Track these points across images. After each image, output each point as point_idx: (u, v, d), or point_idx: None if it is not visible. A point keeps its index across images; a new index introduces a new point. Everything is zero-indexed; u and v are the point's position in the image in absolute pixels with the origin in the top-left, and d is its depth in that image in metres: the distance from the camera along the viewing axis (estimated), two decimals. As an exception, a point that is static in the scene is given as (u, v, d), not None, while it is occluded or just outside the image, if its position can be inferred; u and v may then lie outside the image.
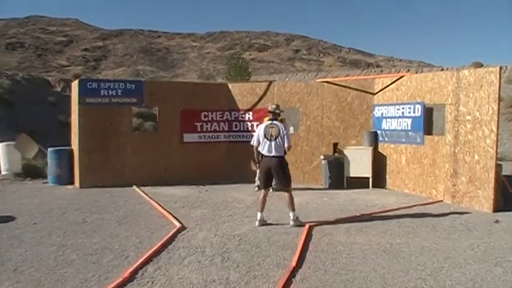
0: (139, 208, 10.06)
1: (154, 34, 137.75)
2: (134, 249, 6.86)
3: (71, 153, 13.40)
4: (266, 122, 8.78)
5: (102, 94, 13.02)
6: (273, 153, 8.37)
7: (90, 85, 13.09)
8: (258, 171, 12.33)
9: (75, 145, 13.25)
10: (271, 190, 11.55)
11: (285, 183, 8.50)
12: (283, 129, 8.44)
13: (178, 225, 8.26)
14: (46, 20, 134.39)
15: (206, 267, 6.11)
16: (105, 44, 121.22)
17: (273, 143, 8.35)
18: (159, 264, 6.18)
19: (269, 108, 8.88)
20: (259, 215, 8.51)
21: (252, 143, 9.14)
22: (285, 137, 8.37)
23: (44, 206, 10.17)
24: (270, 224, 8.41)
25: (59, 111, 24.85)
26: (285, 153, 8.53)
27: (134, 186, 12.55)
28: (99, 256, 6.54)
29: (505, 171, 12.11)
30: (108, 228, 8.22)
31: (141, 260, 6.21)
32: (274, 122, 8.57)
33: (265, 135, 8.42)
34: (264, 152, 8.47)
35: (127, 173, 13.08)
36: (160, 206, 10.06)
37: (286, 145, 8.41)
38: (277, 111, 8.78)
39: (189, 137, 14.08)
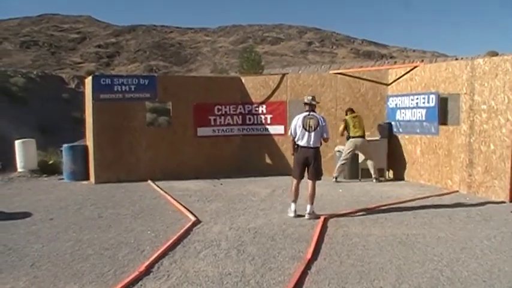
0: (155, 202, 10.10)
1: (167, 29, 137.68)
2: (150, 243, 6.89)
3: (85, 149, 13.46)
4: (303, 112, 8.70)
5: (115, 90, 13.04)
6: (312, 144, 8.38)
7: (103, 81, 13.12)
8: None
9: (89, 141, 13.31)
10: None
11: (317, 174, 8.53)
12: (322, 120, 8.46)
13: (193, 218, 8.27)
14: (59, 17, 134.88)
15: (221, 260, 6.11)
16: (118, 40, 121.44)
17: (312, 133, 8.35)
18: (175, 258, 6.19)
19: (305, 100, 8.83)
20: (293, 205, 8.52)
21: (289, 133, 9.05)
22: (324, 128, 8.41)
23: (60, 202, 10.24)
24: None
25: (73, 108, 25.02)
26: (321, 144, 8.55)
27: (149, 181, 12.59)
28: (115, 250, 6.58)
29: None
30: (123, 222, 8.26)
31: (156, 254, 6.23)
32: (312, 113, 8.56)
33: (303, 126, 8.41)
34: (302, 143, 8.43)
35: (141, 168, 13.11)
36: (175, 200, 10.08)
37: (325, 136, 8.47)
38: (313, 102, 8.70)
39: (202, 131, 14.07)
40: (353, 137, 12.20)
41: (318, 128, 8.35)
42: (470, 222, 8.08)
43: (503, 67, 9.84)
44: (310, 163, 8.41)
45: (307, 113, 8.56)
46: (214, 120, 14.25)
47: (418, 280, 5.35)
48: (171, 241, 6.85)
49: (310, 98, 8.76)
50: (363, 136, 12.15)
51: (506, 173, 9.76)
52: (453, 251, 6.42)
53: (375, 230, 7.53)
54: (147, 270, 5.66)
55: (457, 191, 10.87)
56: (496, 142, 9.99)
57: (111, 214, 8.98)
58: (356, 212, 8.87)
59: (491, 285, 5.22)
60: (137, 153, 13.21)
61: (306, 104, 8.74)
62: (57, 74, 35.68)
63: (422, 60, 40.18)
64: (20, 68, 38.74)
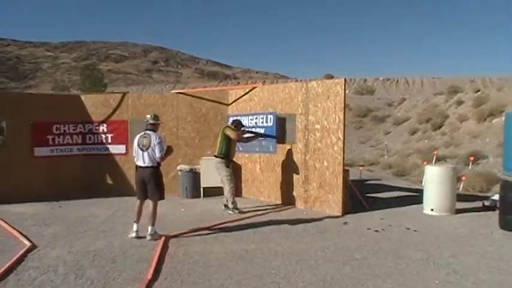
0: (-15, 229, 9.43)
1: (4, 42, 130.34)
2: (-23, 274, 6.43)
3: None
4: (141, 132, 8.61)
5: None
6: (146, 164, 8.29)
7: None
8: None
9: None
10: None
11: (157, 195, 8.41)
12: (155, 139, 8.32)
13: (28, 244, 7.84)
14: None
15: (58, 286, 5.89)
16: None
17: (145, 153, 8.27)
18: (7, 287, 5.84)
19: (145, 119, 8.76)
20: (134, 226, 8.38)
21: (133, 154, 8.87)
22: (156, 147, 8.27)
23: None
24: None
25: None
26: (159, 164, 8.43)
27: (-21, 206, 11.73)
28: None
29: (353, 176, 12.90)
30: None
31: (-16, 285, 5.83)
32: (148, 131, 8.46)
33: (138, 145, 8.35)
34: (139, 162, 8.39)
35: (-29, 192, 12.16)
36: (8, 225, 9.45)
37: (157, 155, 8.30)
38: (151, 121, 8.60)
39: (40, 151, 13.39)
40: None
41: (150, 148, 8.31)
42: (306, 235, 8.52)
43: (334, 89, 10.54)
44: (147, 183, 8.36)
45: (143, 132, 8.53)
46: (53, 139, 13.63)
47: (256, 294, 5.54)
48: (2, 269, 6.44)
49: (149, 116, 8.71)
50: (215, 155, 11.28)
51: (338, 187, 10.43)
52: (290, 264, 6.73)
53: (215, 247, 7.67)
54: (-26, 303, 5.28)
55: (295, 206, 11.40)
56: (329, 159, 10.64)
57: None
58: (197, 230, 8.96)
59: (323, 294, 5.54)
60: (-35, 176, 12.25)
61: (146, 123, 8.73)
62: None
63: (264, 82, 41.71)
64: None
